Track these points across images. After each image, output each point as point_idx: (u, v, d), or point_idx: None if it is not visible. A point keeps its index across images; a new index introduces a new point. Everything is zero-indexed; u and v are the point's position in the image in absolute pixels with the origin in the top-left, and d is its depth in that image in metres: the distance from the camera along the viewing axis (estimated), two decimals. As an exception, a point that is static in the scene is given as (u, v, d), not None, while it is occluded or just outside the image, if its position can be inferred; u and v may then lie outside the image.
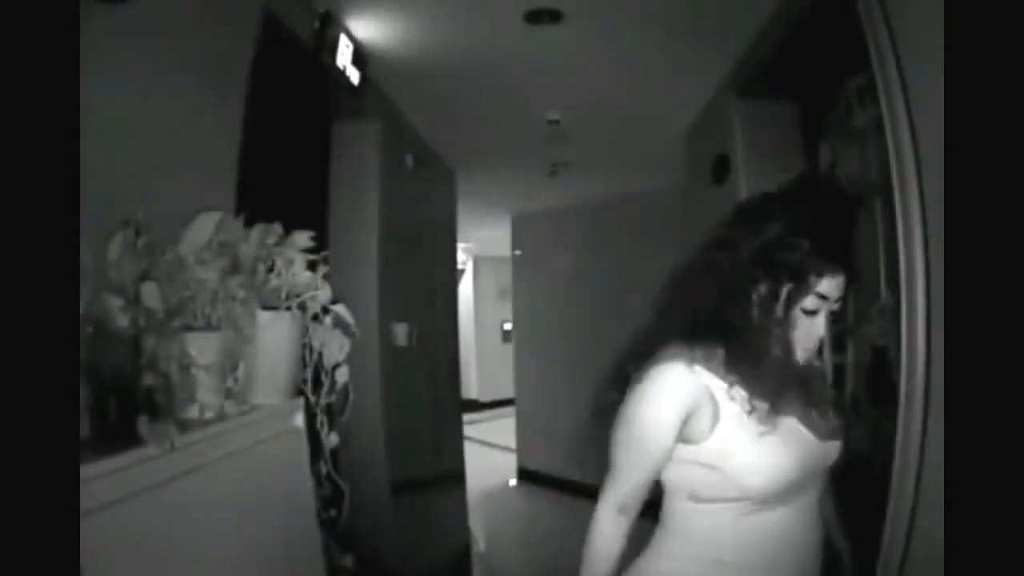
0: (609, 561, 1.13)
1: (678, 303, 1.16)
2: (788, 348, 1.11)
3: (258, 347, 1.48)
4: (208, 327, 1.35)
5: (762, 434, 1.07)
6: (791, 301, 1.09)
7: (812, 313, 1.10)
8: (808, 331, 1.11)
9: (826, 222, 1.09)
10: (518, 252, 6.91)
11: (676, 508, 1.16)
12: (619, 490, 1.13)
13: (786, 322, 1.09)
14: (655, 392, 1.09)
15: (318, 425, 1.73)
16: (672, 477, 1.15)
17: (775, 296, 1.08)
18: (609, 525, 1.13)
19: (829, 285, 1.08)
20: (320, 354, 1.68)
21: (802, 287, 1.08)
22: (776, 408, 1.09)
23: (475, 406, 9.23)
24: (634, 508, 1.14)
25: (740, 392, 1.09)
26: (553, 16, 2.62)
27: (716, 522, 1.11)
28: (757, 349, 1.08)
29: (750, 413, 1.08)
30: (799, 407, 1.13)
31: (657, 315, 1.19)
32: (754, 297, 1.09)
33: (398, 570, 2.88)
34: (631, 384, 1.12)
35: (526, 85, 3.42)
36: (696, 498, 1.13)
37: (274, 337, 1.53)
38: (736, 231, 1.13)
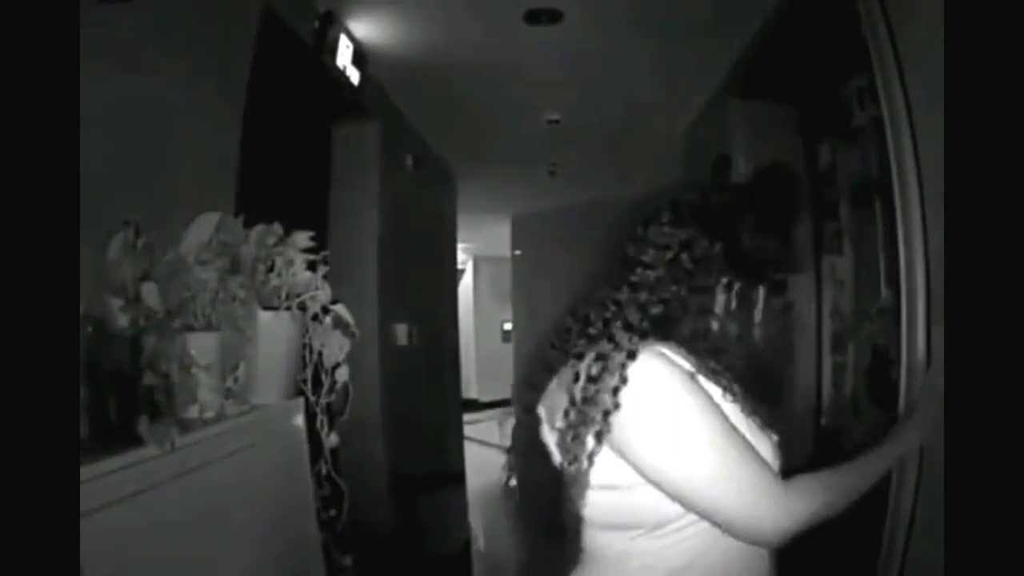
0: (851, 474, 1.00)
1: (636, 302, 0.98)
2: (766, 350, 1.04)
3: (258, 347, 1.48)
4: (208, 327, 1.36)
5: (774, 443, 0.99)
6: (765, 303, 1.02)
7: (784, 312, 1.04)
8: (760, 332, 1.03)
9: (793, 218, 1.04)
10: (518, 252, 6.90)
11: (609, 541, 0.98)
12: (753, 478, 0.89)
13: (764, 325, 1.02)
14: (666, 374, 0.91)
15: (318, 425, 1.73)
16: (617, 505, 0.95)
17: (751, 299, 1.02)
18: (781, 494, 0.90)
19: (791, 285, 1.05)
20: (320, 354, 1.68)
21: (777, 288, 1.03)
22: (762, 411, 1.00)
23: (475, 406, 9.22)
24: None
25: (736, 392, 0.98)
26: (553, 16, 2.62)
27: (681, 550, 0.94)
28: (734, 354, 1.01)
29: (749, 416, 0.97)
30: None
31: (589, 311, 1.03)
32: (723, 299, 1.00)
33: (398, 570, 2.88)
34: (612, 400, 0.90)
35: (526, 85, 3.42)
36: (647, 526, 0.94)
37: (274, 337, 1.53)
38: (692, 227, 1.00)
